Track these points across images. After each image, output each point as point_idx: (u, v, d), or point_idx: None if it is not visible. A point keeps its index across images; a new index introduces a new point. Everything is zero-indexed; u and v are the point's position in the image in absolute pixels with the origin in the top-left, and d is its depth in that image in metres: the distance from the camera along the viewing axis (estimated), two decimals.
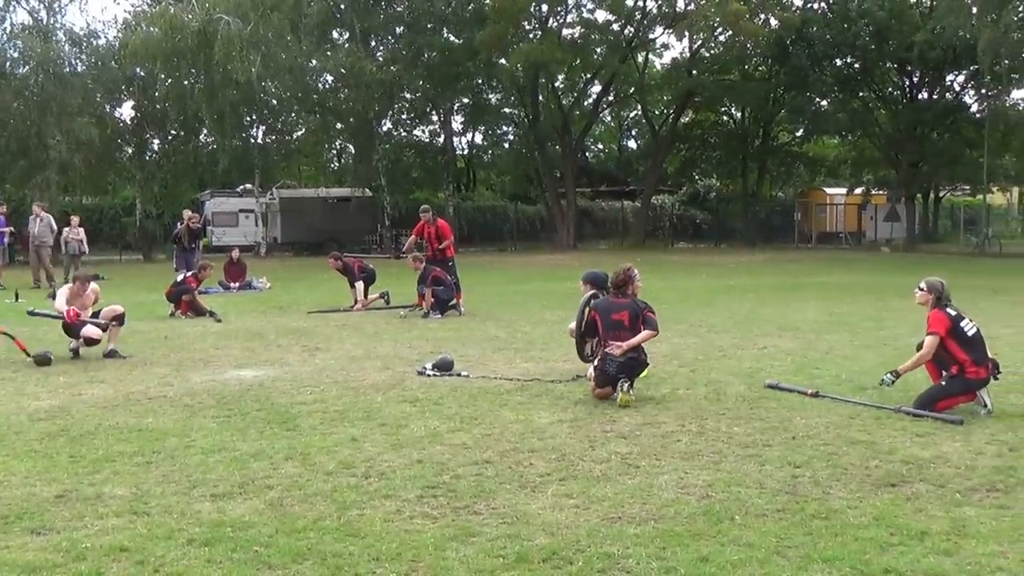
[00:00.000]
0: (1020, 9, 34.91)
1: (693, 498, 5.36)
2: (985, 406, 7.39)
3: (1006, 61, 34.33)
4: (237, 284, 21.21)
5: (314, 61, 38.48)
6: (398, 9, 41.02)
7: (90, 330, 10.67)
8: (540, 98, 43.94)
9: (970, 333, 7.52)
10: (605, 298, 8.65)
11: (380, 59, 40.22)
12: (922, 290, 7.90)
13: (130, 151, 38.84)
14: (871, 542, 4.64)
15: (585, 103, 47.23)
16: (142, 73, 36.21)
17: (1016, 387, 8.42)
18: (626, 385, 7.87)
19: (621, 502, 5.29)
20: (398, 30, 41.93)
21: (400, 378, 9.32)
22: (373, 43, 41.54)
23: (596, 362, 8.29)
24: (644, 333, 8.19)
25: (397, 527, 4.94)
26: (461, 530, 4.87)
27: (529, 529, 4.86)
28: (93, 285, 11.42)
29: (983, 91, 41.07)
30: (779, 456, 6.21)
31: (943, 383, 7.49)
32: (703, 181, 54.76)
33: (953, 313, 7.60)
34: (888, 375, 7.59)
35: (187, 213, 23.15)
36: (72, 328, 10.73)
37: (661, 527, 4.88)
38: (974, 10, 35.28)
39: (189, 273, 16.97)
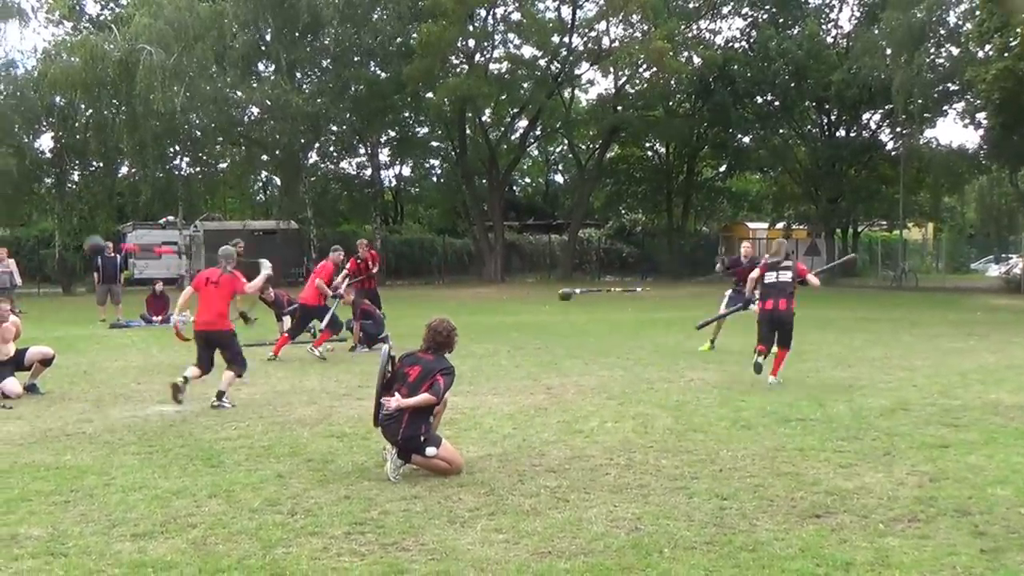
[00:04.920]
0: (932, 51, 36.09)
1: (622, 531, 5.36)
2: None
3: (919, 100, 35.35)
4: (160, 318, 20.85)
5: (239, 92, 38.16)
6: (325, 42, 40.86)
7: (9, 386, 10.29)
8: (467, 132, 44.08)
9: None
10: (414, 353, 7.11)
11: (306, 91, 40.01)
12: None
13: (49, 182, 38.03)
14: (797, 574, 4.68)
15: (512, 137, 47.50)
16: (62, 103, 35.57)
17: (935, 418, 8.61)
18: (396, 462, 6.65)
19: (551, 536, 5.27)
20: (324, 63, 41.78)
21: (327, 412, 9.21)
22: (299, 75, 41.33)
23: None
24: (422, 396, 6.68)
25: (324, 565, 4.86)
26: (389, 567, 4.80)
27: (458, 565, 4.82)
28: (13, 318, 11.09)
29: (898, 129, 42.23)
30: (707, 488, 6.25)
31: None
32: (629, 215, 55.33)
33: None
34: None
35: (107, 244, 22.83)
36: None
37: (591, 561, 4.87)
38: (888, 51, 36.41)
39: None
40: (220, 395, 9.53)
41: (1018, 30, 29.38)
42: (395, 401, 6.64)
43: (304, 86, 41.01)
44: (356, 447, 7.61)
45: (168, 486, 6.41)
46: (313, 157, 43.83)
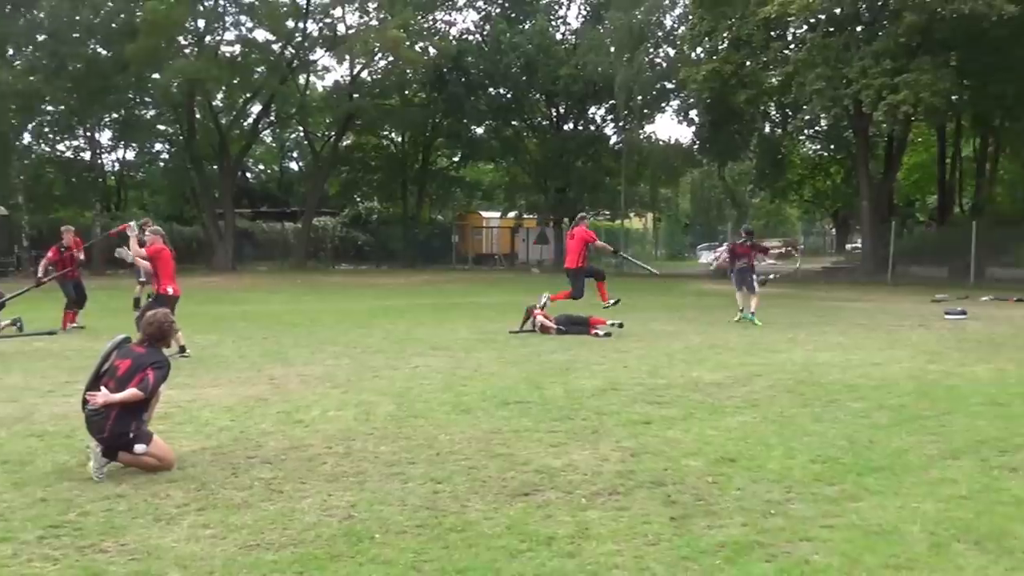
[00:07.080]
0: (651, 51, 38.22)
1: (335, 520, 5.36)
2: None
3: (639, 97, 37.38)
4: None
5: None
6: (39, 16, 38.21)
7: None
8: (197, 116, 42.50)
9: None
10: (128, 345, 6.82)
11: (19, 68, 37.26)
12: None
13: None
14: (502, 550, 4.83)
15: (244, 123, 46.21)
16: None
17: (641, 396, 9.13)
18: (100, 460, 6.26)
19: (261, 529, 5.19)
20: (39, 38, 39.04)
21: (29, 410, 8.63)
22: (11, 51, 38.45)
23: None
24: (129, 392, 6.34)
25: (12, 572, 4.57)
26: (84, 571, 4.57)
27: (160, 564, 4.65)
28: None
29: (620, 124, 44.39)
30: (422, 473, 6.34)
31: None
32: (365, 203, 55.21)
33: None
34: None
35: None
36: None
37: (300, 551, 4.83)
38: (612, 49, 38.23)
39: None
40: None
41: (724, 35, 31.59)
42: (101, 396, 6.31)
43: (16, 62, 38.15)
44: (58, 446, 7.17)
45: None
46: (26, 138, 40.96)
